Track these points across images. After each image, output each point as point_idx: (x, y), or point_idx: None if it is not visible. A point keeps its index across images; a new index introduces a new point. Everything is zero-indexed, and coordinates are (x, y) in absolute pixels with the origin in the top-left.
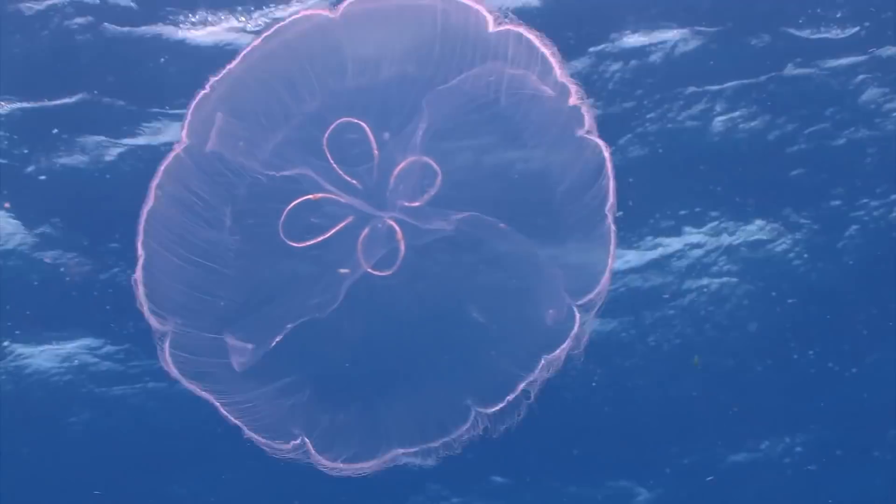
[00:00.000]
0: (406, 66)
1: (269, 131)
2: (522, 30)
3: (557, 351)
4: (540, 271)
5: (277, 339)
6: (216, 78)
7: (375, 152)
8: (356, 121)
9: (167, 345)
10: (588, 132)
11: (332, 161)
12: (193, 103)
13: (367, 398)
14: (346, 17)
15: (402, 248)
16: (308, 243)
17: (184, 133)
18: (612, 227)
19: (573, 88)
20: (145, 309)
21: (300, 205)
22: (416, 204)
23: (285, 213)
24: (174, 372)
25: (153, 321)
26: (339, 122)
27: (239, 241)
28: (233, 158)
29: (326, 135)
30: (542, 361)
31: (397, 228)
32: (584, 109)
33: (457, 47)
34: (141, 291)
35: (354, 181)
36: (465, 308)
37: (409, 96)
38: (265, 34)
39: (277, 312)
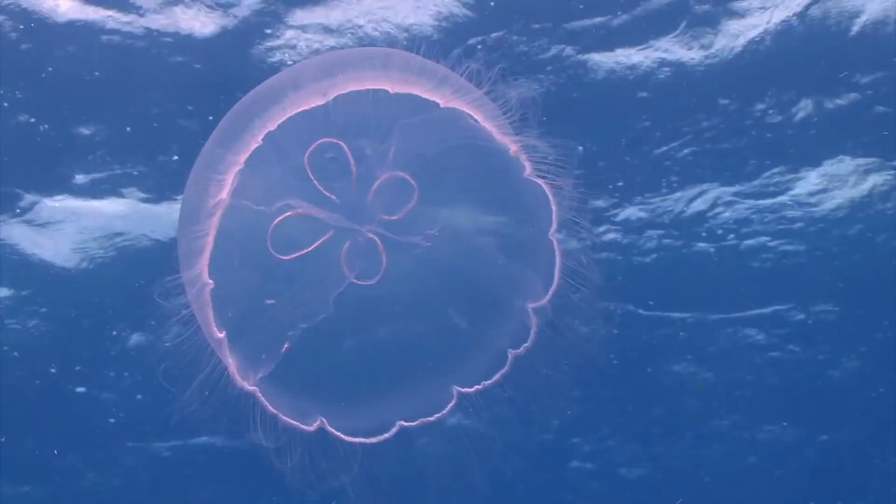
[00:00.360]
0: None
1: (269, 172)
2: (466, 107)
3: (521, 348)
4: (502, 280)
5: (286, 346)
6: (247, 154)
7: (354, 169)
8: (336, 140)
9: (226, 349)
10: (532, 175)
11: (312, 178)
12: (234, 174)
13: (369, 385)
14: (337, 101)
15: (384, 259)
16: (292, 256)
17: (226, 194)
18: (558, 247)
19: (513, 144)
20: (212, 323)
21: (287, 221)
22: (394, 217)
23: (270, 229)
24: (233, 371)
25: (216, 333)
26: (320, 142)
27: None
28: (244, 202)
29: (307, 154)
30: (510, 356)
31: (378, 241)
32: (524, 159)
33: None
34: (210, 310)
35: (333, 196)
36: (445, 311)
37: (385, 119)
38: (275, 120)
39: (277, 323)
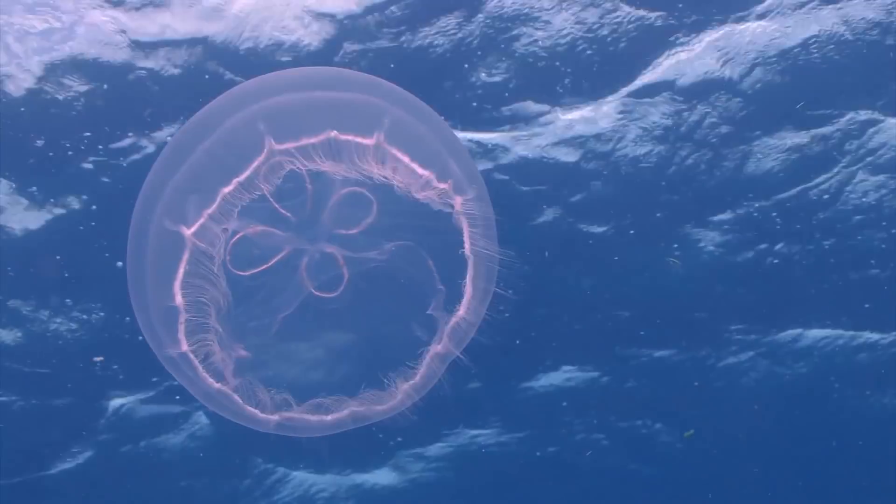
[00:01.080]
0: None
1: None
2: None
3: (439, 346)
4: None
5: (244, 354)
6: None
7: (309, 187)
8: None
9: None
10: (455, 208)
11: (269, 198)
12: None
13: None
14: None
15: (345, 274)
16: (249, 272)
17: (191, 232)
18: (471, 260)
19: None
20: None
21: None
22: (349, 232)
23: (229, 247)
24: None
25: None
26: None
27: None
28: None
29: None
30: (430, 352)
31: (339, 256)
32: (450, 192)
33: None
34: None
35: (288, 214)
36: (400, 321)
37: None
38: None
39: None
